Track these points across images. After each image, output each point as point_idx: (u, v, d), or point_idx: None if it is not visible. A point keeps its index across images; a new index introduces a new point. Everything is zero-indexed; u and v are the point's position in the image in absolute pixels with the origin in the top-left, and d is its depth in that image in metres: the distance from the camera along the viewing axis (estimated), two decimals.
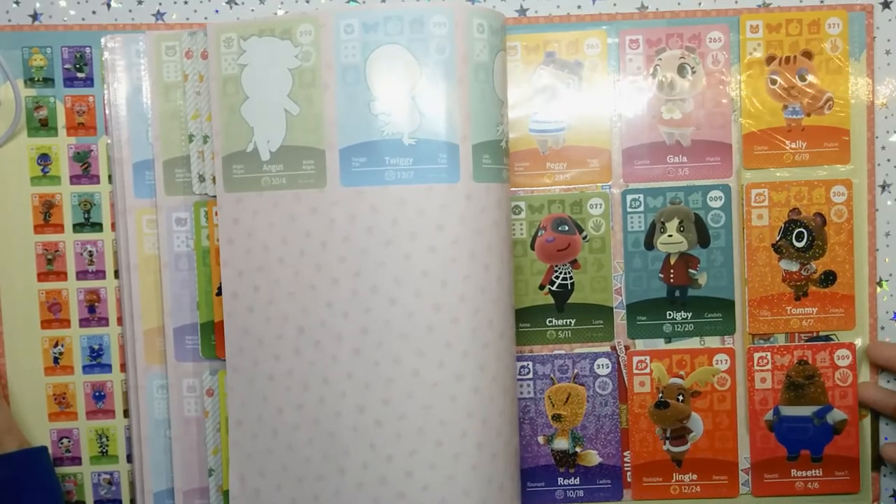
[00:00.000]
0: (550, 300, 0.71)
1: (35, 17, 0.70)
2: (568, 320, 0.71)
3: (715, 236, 0.70)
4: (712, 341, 0.71)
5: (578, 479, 0.71)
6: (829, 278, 0.70)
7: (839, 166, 0.70)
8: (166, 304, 0.68)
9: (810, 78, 0.70)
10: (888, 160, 0.70)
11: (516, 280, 0.70)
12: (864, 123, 0.70)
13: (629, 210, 0.70)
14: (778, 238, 0.70)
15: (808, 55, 0.69)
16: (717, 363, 0.70)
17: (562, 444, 0.71)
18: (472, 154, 0.62)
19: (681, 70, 0.70)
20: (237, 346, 0.66)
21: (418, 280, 0.62)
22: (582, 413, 0.71)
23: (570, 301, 0.71)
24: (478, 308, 0.62)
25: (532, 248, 0.70)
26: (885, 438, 0.72)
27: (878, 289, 0.71)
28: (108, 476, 0.71)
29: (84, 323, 0.70)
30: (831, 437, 0.70)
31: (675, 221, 0.70)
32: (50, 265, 0.70)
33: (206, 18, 0.71)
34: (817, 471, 0.71)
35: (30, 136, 0.70)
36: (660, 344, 0.71)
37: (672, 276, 0.70)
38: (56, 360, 0.70)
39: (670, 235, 0.70)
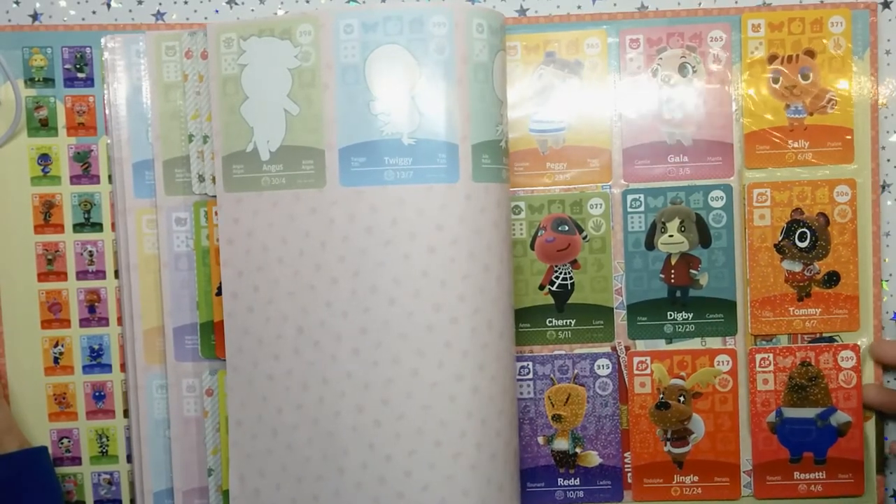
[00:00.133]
0: (550, 300, 0.70)
1: (35, 17, 0.70)
2: (568, 321, 0.70)
3: (716, 236, 0.70)
4: (714, 342, 0.70)
5: (578, 479, 0.71)
6: (832, 279, 0.69)
7: (842, 166, 0.69)
8: (166, 304, 0.69)
9: (813, 77, 0.69)
10: (888, 160, 0.70)
11: (516, 280, 0.70)
12: (867, 122, 0.69)
13: (630, 210, 0.70)
14: (780, 238, 0.69)
15: (810, 54, 0.69)
16: (718, 364, 0.70)
17: (562, 444, 0.71)
18: (471, 154, 0.62)
19: (682, 69, 0.69)
20: (237, 346, 0.66)
21: (417, 280, 0.62)
22: (582, 414, 0.70)
23: (570, 301, 0.70)
24: (477, 308, 0.62)
25: (532, 248, 0.70)
26: (886, 438, 0.71)
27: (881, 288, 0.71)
28: (108, 476, 0.71)
29: (84, 323, 0.70)
30: (835, 439, 0.70)
31: (676, 221, 0.70)
32: (50, 265, 0.70)
33: (206, 18, 0.71)
34: (820, 473, 0.70)
35: (30, 136, 0.70)
36: (661, 345, 0.71)
37: (673, 276, 0.70)
38: (56, 360, 0.70)
39: (671, 235, 0.70)
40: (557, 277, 0.70)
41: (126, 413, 0.71)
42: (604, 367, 0.70)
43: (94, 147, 0.70)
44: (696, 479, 0.71)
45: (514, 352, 0.66)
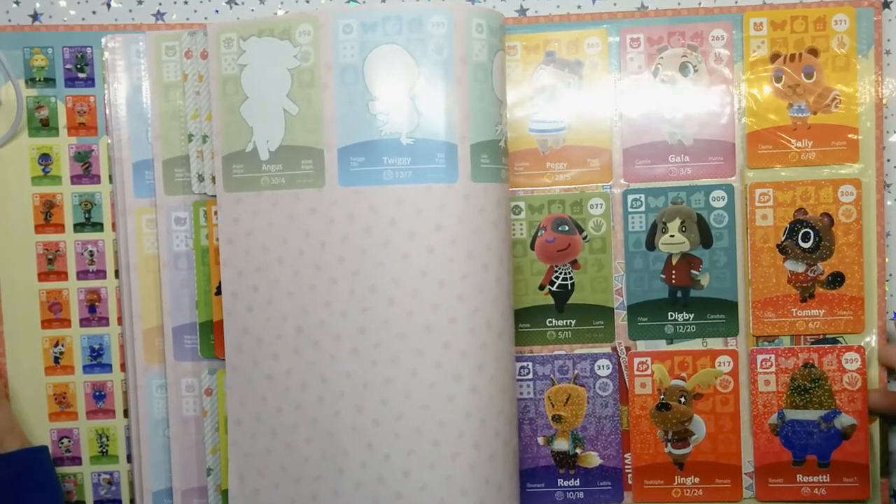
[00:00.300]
0: (550, 300, 0.70)
1: (35, 17, 0.70)
2: (568, 321, 0.70)
3: (718, 237, 0.69)
4: (715, 343, 0.70)
5: (578, 480, 0.71)
6: (836, 280, 0.69)
7: (847, 165, 0.69)
8: (165, 304, 0.69)
9: (816, 75, 0.69)
10: (888, 160, 0.70)
11: (516, 280, 0.69)
12: (872, 121, 0.69)
13: (630, 210, 0.70)
14: (783, 238, 0.69)
15: (813, 52, 0.69)
16: (719, 365, 0.70)
17: (562, 445, 0.70)
18: (470, 154, 0.62)
19: (683, 69, 0.69)
20: (236, 345, 0.66)
21: (417, 280, 0.62)
22: (582, 414, 0.70)
23: (570, 301, 0.70)
24: (476, 308, 0.62)
25: (532, 248, 0.70)
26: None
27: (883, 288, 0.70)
28: (108, 476, 0.71)
29: (84, 323, 0.71)
30: (839, 442, 0.69)
31: (677, 221, 0.69)
32: (51, 265, 0.70)
33: (206, 18, 0.71)
34: (824, 476, 0.70)
35: (31, 136, 0.70)
36: (661, 345, 0.70)
37: (674, 276, 0.70)
38: (56, 359, 0.71)
39: (672, 236, 0.69)
40: (557, 277, 0.70)
41: (126, 413, 0.71)
42: (604, 368, 0.70)
43: (94, 147, 0.70)
44: (696, 480, 0.71)
45: (514, 352, 0.66)
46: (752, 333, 0.70)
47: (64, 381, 0.71)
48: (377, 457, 0.63)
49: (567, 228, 0.70)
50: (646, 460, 0.70)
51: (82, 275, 0.70)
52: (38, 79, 0.70)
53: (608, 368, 0.70)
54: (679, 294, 0.70)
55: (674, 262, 0.70)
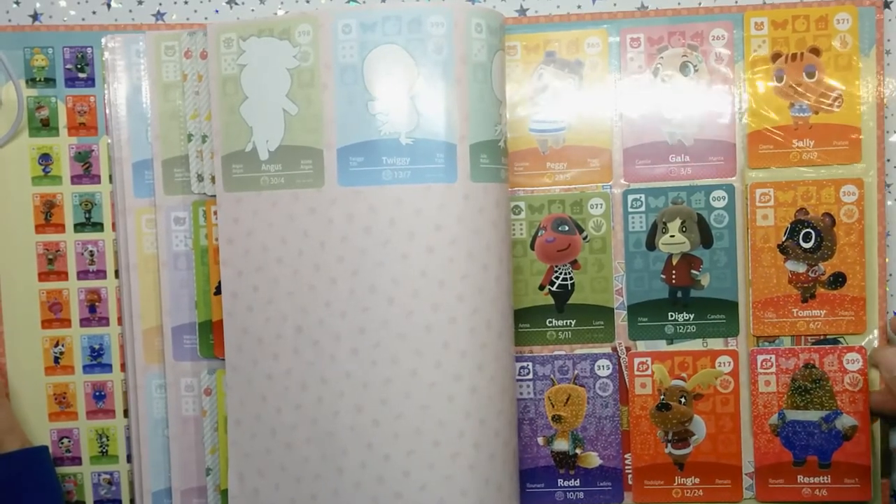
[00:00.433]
0: (550, 301, 0.70)
1: (35, 17, 0.70)
2: (568, 321, 0.70)
3: (718, 237, 0.69)
4: (715, 343, 0.70)
5: (578, 480, 0.71)
6: (838, 280, 0.69)
7: (849, 165, 0.69)
8: (165, 304, 0.69)
9: (818, 75, 0.68)
10: (888, 160, 0.69)
11: (516, 280, 0.69)
12: (874, 121, 0.69)
13: (630, 210, 0.69)
14: (784, 238, 0.69)
15: (815, 51, 0.68)
16: (719, 365, 0.70)
17: (562, 445, 0.70)
18: (469, 154, 0.62)
19: (683, 68, 0.69)
20: (236, 345, 0.66)
21: (416, 280, 0.62)
22: (582, 414, 0.70)
23: (570, 301, 0.70)
24: (476, 308, 0.62)
25: (532, 248, 0.70)
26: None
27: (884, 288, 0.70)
28: (108, 476, 0.71)
29: (85, 323, 0.71)
30: (840, 443, 0.69)
31: (678, 222, 0.69)
32: (51, 265, 0.70)
33: (205, 18, 0.71)
34: (825, 477, 0.69)
35: (31, 136, 0.70)
36: (661, 345, 0.70)
37: (674, 276, 0.70)
38: (56, 359, 0.71)
39: (672, 236, 0.69)
40: (557, 278, 0.70)
41: (126, 413, 0.71)
42: (604, 368, 0.70)
43: (94, 147, 0.70)
44: (697, 480, 0.70)
45: (514, 352, 0.66)
46: (752, 334, 0.69)
47: (64, 381, 0.71)
48: (377, 457, 0.63)
49: (567, 228, 0.70)
50: (646, 461, 0.70)
51: (82, 275, 0.71)
52: (38, 79, 0.70)
53: (608, 369, 0.70)
54: (679, 294, 0.70)
55: (674, 262, 0.70)
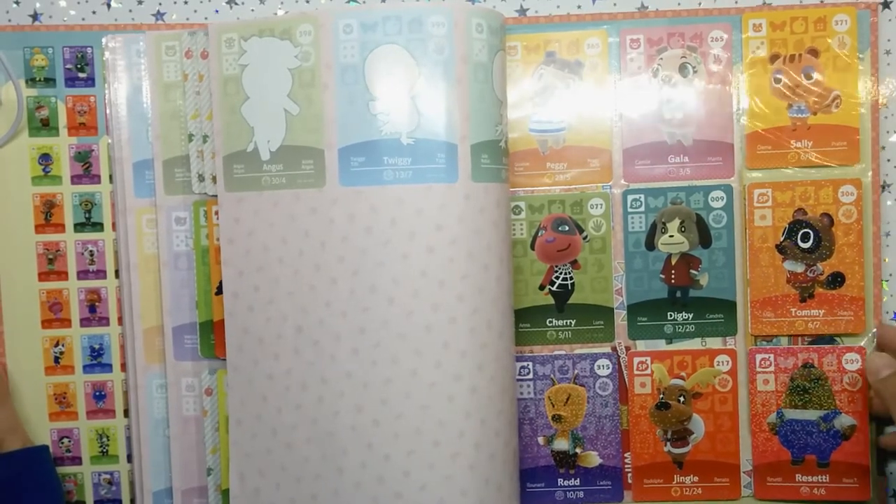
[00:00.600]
0: (550, 300, 0.70)
1: (35, 17, 0.70)
2: (568, 321, 0.70)
3: (716, 237, 0.70)
4: (714, 342, 0.70)
5: (578, 480, 0.71)
6: (836, 280, 0.69)
7: (848, 166, 0.69)
8: (165, 304, 0.69)
9: (817, 76, 0.69)
10: (888, 160, 0.70)
11: (516, 280, 0.70)
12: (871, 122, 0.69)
13: (630, 210, 0.70)
14: (782, 238, 0.69)
15: (814, 52, 0.69)
16: (718, 364, 0.70)
17: (562, 444, 0.71)
18: (470, 154, 0.62)
19: (682, 69, 0.69)
20: (237, 345, 0.66)
21: (417, 280, 0.62)
22: (582, 414, 0.70)
23: (570, 301, 0.70)
24: (476, 308, 0.62)
25: (532, 248, 0.70)
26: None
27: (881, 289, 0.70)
28: (108, 476, 0.71)
29: (85, 322, 0.71)
30: (839, 442, 0.69)
31: (677, 222, 0.70)
32: (51, 265, 0.70)
33: (206, 18, 0.71)
34: (823, 476, 0.70)
35: (31, 136, 0.70)
36: (661, 345, 0.70)
37: (673, 276, 0.70)
38: (57, 359, 0.71)
39: (671, 236, 0.70)
40: (557, 277, 0.70)
41: (126, 413, 0.71)
42: (604, 368, 0.70)
43: (94, 147, 0.70)
44: (695, 479, 0.71)
45: (514, 352, 0.66)
46: (750, 333, 0.70)
47: (64, 380, 0.71)
48: (377, 457, 0.63)
49: (567, 228, 0.70)
50: (645, 459, 0.71)
51: (82, 275, 0.70)
52: (38, 79, 0.70)
53: (608, 368, 0.70)
54: (678, 294, 0.70)
55: (673, 262, 0.70)
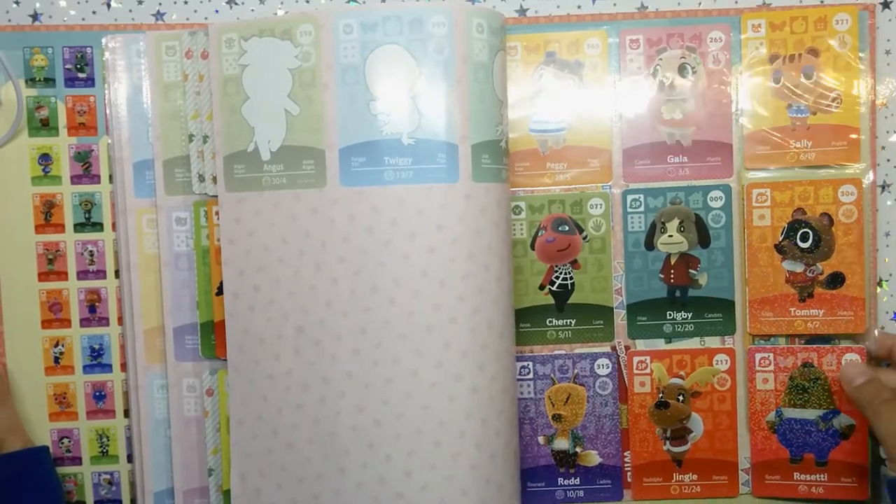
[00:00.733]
0: (550, 300, 0.70)
1: (35, 17, 0.70)
2: (568, 320, 0.70)
3: (715, 237, 0.70)
4: (712, 342, 0.71)
5: (578, 479, 0.71)
6: (836, 280, 0.69)
7: (848, 165, 0.69)
8: (166, 304, 0.69)
9: (816, 76, 0.69)
10: (888, 160, 0.70)
11: (516, 280, 0.70)
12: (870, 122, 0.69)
13: (629, 210, 0.70)
14: (781, 238, 0.69)
15: (813, 52, 0.69)
16: (717, 363, 0.70)
17: (562, 444, 0.71)
18: (471, 154, 0.62)
19: (681, 70, 0.69)
20: (238, 345, 0.66)
21: (417, 280, 0.62)
22: (582, 413, 0.71)
23: (570, 301, 0.70)
24: (477, 308, 0.62)
25: (532, 248, 0.70)
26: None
27: (878, 289, 0.71)
28: (108, 476, 0.71)
29: (85, 323, 0.71)
30: (838, 442, 0.70)
31: (676, 222, 0.70)
32: (51, 265, 0.70)
33: (205, 18, 0.71)
34: (822, 475, 0.70)
35: (31, 136, 0.70)
36: (660, 344, 0.71)
37: (672, 276, 0.70)
38: (56, 359, 0.70)
39: (671, 236, 0.70)
40: (557, 277, 0.70)
41: (126, 413, 0.71)
42: (604, 367, 0.70)
43: (94, 147, 0.70)
44: (694, 477, 0.71)
45: (515, 352, 0.66)
46: (748, 332, 0.70)
47: (64, 381, 0.71)
48: (378, 457, 0.63)
49: (567, 228, 0.70)
50: (645, 458, 0.71)
51: (82, 275, 0.70)
52: (38, 79, 0.69)
53: (608, 367, 0.71)
54: (677, 293, 0.70)
55: (672, 261, 0.70)
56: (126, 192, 0.69)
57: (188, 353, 0.69)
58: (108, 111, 0.69)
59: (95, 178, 0.70)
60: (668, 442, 0.71)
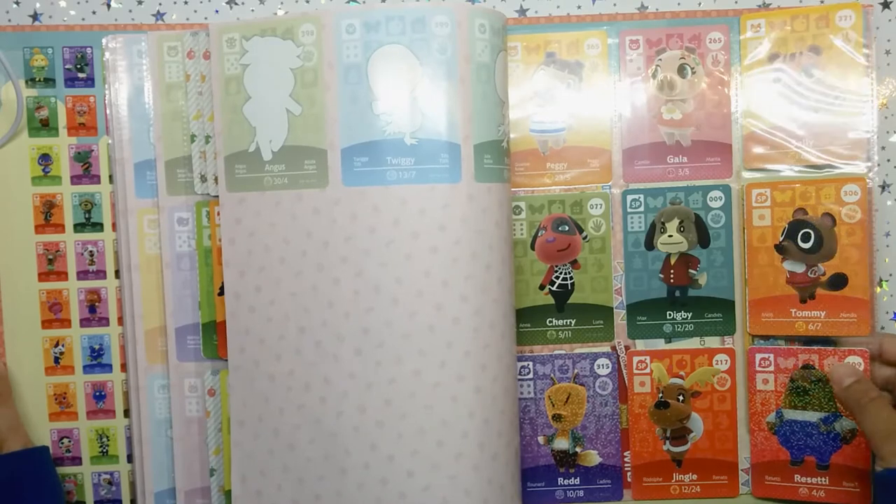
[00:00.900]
0: (551, 300, 0.71)
1: (35, 17, 0.70)
2: (568, 320, 0.71)
3: (715, 237, 0.70)
4: (712, 341, 0.71)
5: (578, 479, 0.71)
6: (839, 281, 0.68)
7: (850, 164, 0.69)
8: (168, 304, 0.68)
9: (818, 74, 0.69)
10: (888, 160, 0.70)
11: (517, 280, 0.70)
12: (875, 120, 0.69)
13: (629, 210, 0.70)
14: (781, 238, 0.69)
15: (815, 51, 0.69)
16: (717, 363, 0.70)
17: (562, 444, 0.71)
18: (473, 154, 0.62)
19: (681, 70, 0.70)
20: (239, 346, 0.66)
21: (420, 280, 0.62)
22: (582, 413, 0.71)
23: (570, 301, 0.71)
24: (479, 308, 0.62)
25: (532, 248, 0.70)
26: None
27: (878, 289, 0.71)
28: (108, 476, 0.71)
29: (85, 323, 0.70)
30: (839, 445, 0.69)
31: (676, 222, 0.70)
32: (51, 265, 0.70)
33: (206, 19, 0.71)
34: (823, 478, 0.70)
35: (31, 136, 0.70)
36: (660, 344, 0.71)
37: (672, 276, 0.70)
38: (57, 359, 0.70)
39: (670, 236, 0.70)
40: (557, 277, 0.70)
41: (126, 413, 0.71)
42: (603, 367, 0.71)
43: (94, 147, 0.70)
44: (694, 477, 0.71)
45: (516, 352, 0.67)
46: (748, 332, 0.70)
47: (64, 381, 0.70)
48: (380, 457, 0.63)
49: (567, 228, 0.70)
50: (645, 458, 0.71)
51: (82, 275, 0.70)
52: (38, 79, 0.69)
53: (608, 367, 0.71)
54: (677, 293, 0.71)
55: (672, 261, 0.70)
56: (127, 193, 0.69)
57: (190, 354, 0.69)
58: (108, 111, 0.69)
59: (95, 179, 0.70)
60: (667, 442, 0.71)
